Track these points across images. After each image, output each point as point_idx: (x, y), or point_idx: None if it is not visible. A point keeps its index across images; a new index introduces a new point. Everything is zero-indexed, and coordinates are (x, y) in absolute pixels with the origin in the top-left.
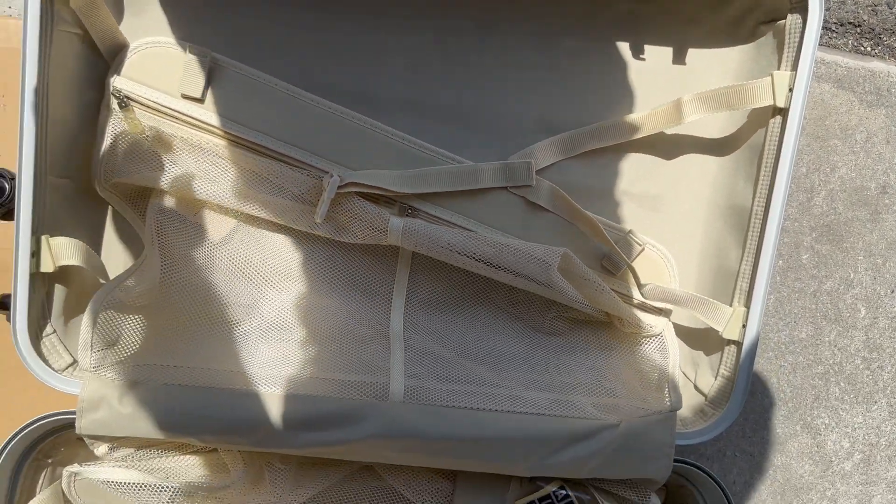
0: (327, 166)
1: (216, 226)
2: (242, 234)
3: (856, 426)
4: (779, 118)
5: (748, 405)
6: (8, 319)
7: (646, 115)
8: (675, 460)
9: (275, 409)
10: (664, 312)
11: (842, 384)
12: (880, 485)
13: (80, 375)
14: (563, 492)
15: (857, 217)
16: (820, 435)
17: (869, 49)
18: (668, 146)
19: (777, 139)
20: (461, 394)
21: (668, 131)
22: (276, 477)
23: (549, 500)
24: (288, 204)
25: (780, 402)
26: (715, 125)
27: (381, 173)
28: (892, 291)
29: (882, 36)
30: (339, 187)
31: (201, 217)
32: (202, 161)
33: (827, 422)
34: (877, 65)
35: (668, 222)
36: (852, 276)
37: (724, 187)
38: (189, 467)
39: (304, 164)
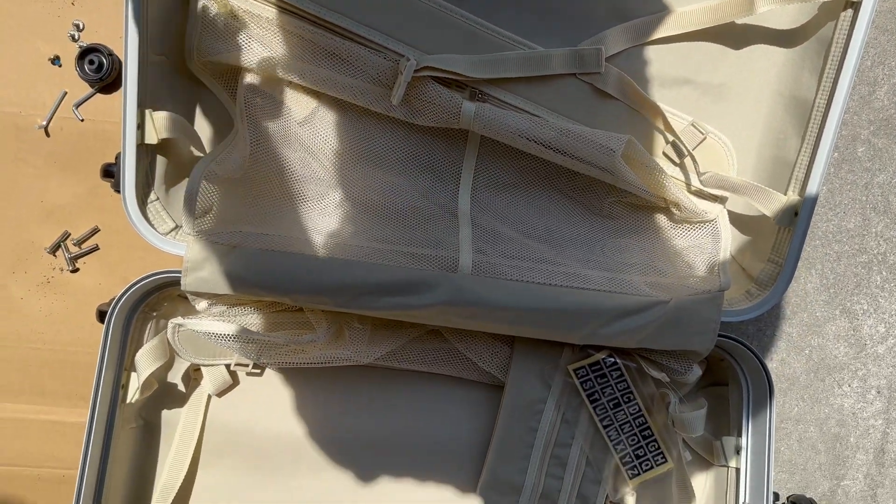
0: (403, 50)
1: (299, 105)
2: (323, 114)
3: (893, 313)
4: (850, 12)
5: (791, 289)
6: (113, 187)
7: (718, 3)
8: (719, 335)
9: (358, 275)
10: (720, 200)
11: (884, 273)
12: None
13: (184, 239)
14: (612, 359)
15: None
16: (857, 319)
17: None
18: (736, 36)
19: (846, 33)
20: (523, 269)
21: (738, 21)
22: (355, 335)
23: (599, 367)
24: (365, 86)
25: (822, 287)
26: (785, 17)
27: (455, 58)
28: None
29: None
30: (415, 71)
31: (285, 96)
32: (285, 41)
33: (865, 308)
34: None
35: (731, 112)
36: None
37: (789, 79)
38: (277, 323)
39: (382, 46)
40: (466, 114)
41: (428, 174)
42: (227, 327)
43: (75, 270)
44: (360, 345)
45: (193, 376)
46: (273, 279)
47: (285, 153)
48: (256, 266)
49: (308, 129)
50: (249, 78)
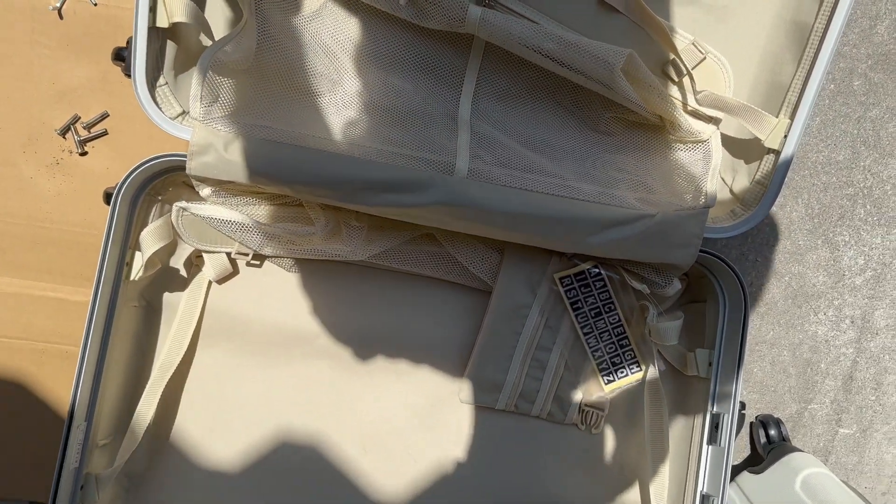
0: None
1: (308, 0)
2: (331, 11)
3: (874, 246)
4: None
5: (776, 217)
6: (123, 72)
7: None
8: (701, 251)
9: (358, 170)
10: (714, 121)
11: (868, 206)
12: (885, 300)
13: (190, 123)
14: (596, 270)
15: None
16: (838, 250)
17: None
18: None
19: None
20: (517, 177)
21: None
22: (352, 232)
23: (584, 277)
24: None
25: (806, 217)
26: None
27: None
28: None
29: None
30: None
31: None
32: None
33: (847, 239)
34: None
35: (732, 33)
36: None
37: (792, 3)
38: (279, 216)
39: None
40: (472, 18)
41: (432, 79)
42: (228, 213)
43: (84, 153)
44: (356, 242)
45: (195, 262)
46: (275, 168)
47: (292, 47)
48: (260, 154)
49: (316, 25)
50: None
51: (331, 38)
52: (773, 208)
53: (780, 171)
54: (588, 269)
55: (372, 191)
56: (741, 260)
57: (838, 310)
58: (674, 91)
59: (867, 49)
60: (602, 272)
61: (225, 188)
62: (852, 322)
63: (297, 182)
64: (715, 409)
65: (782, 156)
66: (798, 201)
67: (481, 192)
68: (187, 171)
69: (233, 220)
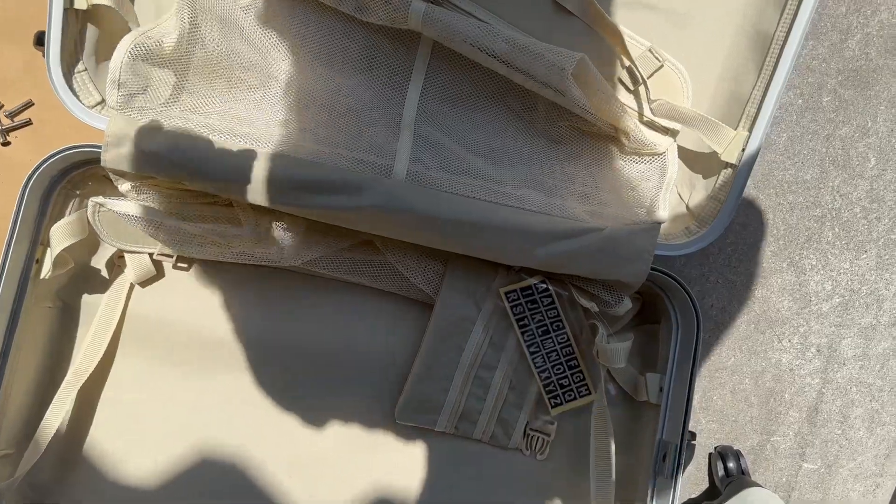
0: None
1: None
2: (268, 2)
3: (841, 271)
4: None
5: (739, 236)
6: (44, 57)
7: None
8: (655, 270)
9: (288, 170)
10: (671, 133)
11: (836, 229)
12: (853, 328)
13: (108, 112)
14: (544, 285)
15: (888, 65)
16: (804, 274)
17: None
18: None
19: None
20: (460, 183)
21: None
22: (284, 236)
23: (530, 292)
24: None
25: (771, 238)
26: None
27: None
28: None
29: None
30: None
31: None
32: None
33: (814, 263)
34: None
35: (691, 41)
36: (870, 124)
37: (754, 11)
38: (204, 215)
39: None
40: (415, 14)
41: (376, 77)
42: (149, 212)
43: (6, 143)
44: (289, 246)
45: (118, 263)
46: (197, 164)
47: (225, 37)
48: (181, 148)
49: (251, 15)
50: None
51: (267, 30)
52: (736, 227)
53: (737, 186)
54: (535, 284)
55: (303, 192)
56: (701, 281)
57: (804, 337)
58: (629, 101)
59: (837, 64)
60: (550, 288)
61: (146, 183)
62: (818, 351)
63: (222, 180)
64: (664, 437)
65: (739, 169)
66: (763, 221)
67: (420, 196)
68: (102, 163)
69: (152, 218)
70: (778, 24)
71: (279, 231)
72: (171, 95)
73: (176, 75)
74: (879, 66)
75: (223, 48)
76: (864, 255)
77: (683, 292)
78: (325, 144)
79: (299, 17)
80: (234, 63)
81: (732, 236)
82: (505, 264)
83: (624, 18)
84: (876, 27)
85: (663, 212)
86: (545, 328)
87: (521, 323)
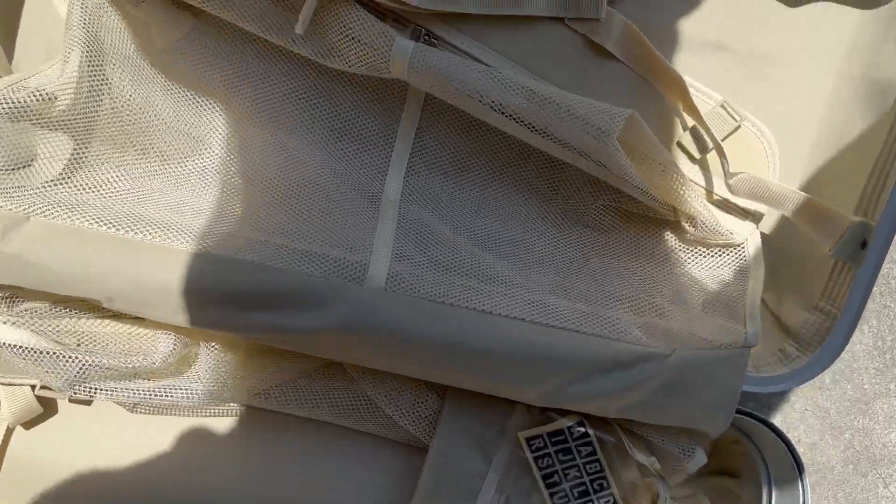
0: None
1: (165, 26)
2: (197, 43)
3: None
4: None
5: None
6: None
7: None
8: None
9: (214, 274)
10: (752, 216)
11: None
12: None
13: None
14: (581, 428)
15: None
16: None
17: None
18: None
19: None
20: (462, 288)
21: None
22: (215, 363)
23: (562, 438)
24: (264, 6)
25: (875, 352)
26: None
27: None
28: None
29: None
30: None
31: (147, 10)
32: None
33: None
34: None
35: (777, 93)
36: None
37: (865, 52)
38: (108, 335)
39: None
40: (400, 56)
41: (345, 142)
42: (26, 336)
43: None
44: (223, 378)
45: None
46: (77, 269)
47: (138, 91)
48: (55, 247)
49: (176, 61)
50: None
51: (197, 80)
52: None
53: (857, 297)
54: (569, 428)
55: (239, 307)
56: (784, 409)
57: None
58: (694, 173)
59: None
60: (590, 432)
61: (27, 295)
62: None
63: (117, 294)
64: None
65: (860, 273)
66: (863, 329)
67: (406, 310)
68: None
69: (33, 346)
70: None
71: (208, 356)
72: (57, 173)
73: (64, 144)
74: None
75: (137, 104)
76: None
77: (780, 443)
78: (274, 235)
79: (241, 63)
80: (151, 125)
81: None
82: None
83: (683, 63)
84: None
85: (751, 329)
86: (583, 488)
87: (550, 481)
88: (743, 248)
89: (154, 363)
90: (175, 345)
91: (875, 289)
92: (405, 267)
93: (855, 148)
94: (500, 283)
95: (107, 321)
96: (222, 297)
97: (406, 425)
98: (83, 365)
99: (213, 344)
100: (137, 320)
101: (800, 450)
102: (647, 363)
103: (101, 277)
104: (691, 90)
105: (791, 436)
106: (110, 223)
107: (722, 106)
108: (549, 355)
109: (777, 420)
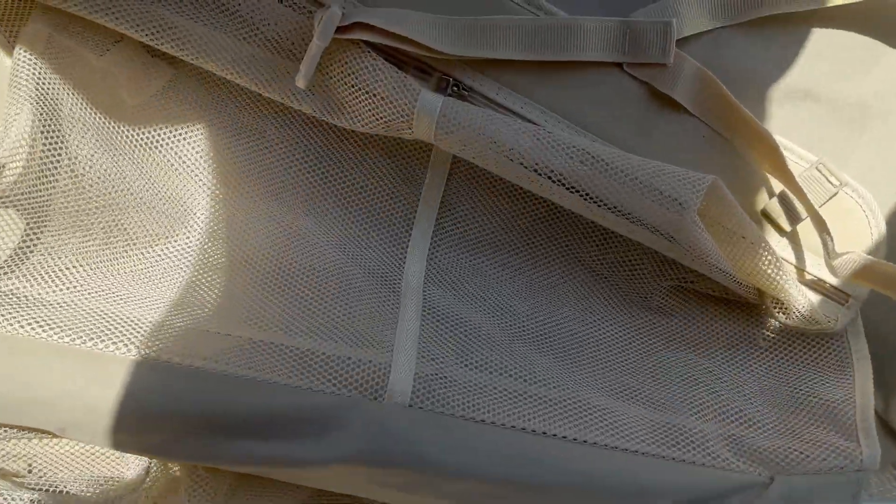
0: None
1: (135, 79)
2: (176, 98)
3: None
4: None
5: None
6: None
7: None
8: None
9: (198, 394)
10: (853, 300)
11: None
12: None
13: None
14: None
15: None
16: None
17: None
18: (891, 25)
19: None
20: (507, 398)
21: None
22: (201, 492)
23: None
24: (256, 53)
25: None
26: None
27: (412, 15)
28: None
29: None
30: (340, 29)
31: (113, 61)
32: None
33: None
34: None
35: (882, 153)
36: None
37: None
38: (66, 456)
39: None
40: (426, 114)
41: (357, 217)
42: None
43: None
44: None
45: None
46: (24, 391)
47: (103, 158)
48: None
49: (152, 119)
50: (51, 19)
51: (177, 144)
52: None
53: None
54: None
55: (216, 436)
56: None
57: None
58: (782, 247)
59: None
60: None
61: None
62: None
63: (68, 422)
64: None
65: None
66: None
67: (437, 435)
68: None
69: None
70: None
71: (193, 485)
72: (8, 258)
73: (24, 222)
74: None
75: (103, 175)
76: None
77: None
78: (264, 332)
79: (230, 122)
80: (120, 201)
81: None
82: None
83: (766, 114)
84: None
85: (868, 443)
86: None
87: None
88: (843, 338)
89: (127, 492)
90: (153, 467)
91: None
92: (433, 370)
93: None
94: (551, 385)
95: (63, 441)
96: (204, 424)
97: None
98: (40, 492)
99: (199, 470)
100: None
101: None
102: (742, 494)
103: (50, 401)
104: (787, 147)
105: None
106: (64, 328)
107: (817, 168)
108: (625, 490)
109: None
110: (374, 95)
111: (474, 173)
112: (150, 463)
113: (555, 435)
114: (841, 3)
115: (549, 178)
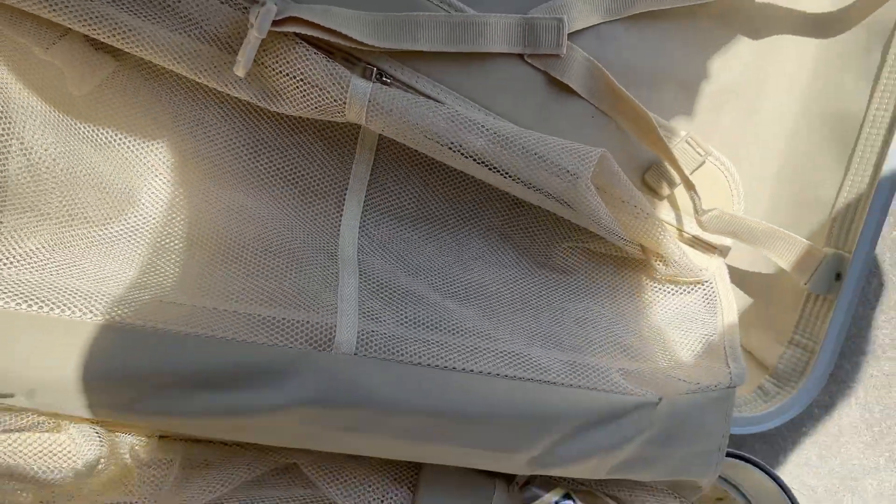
0: None
1: (80, 71)
2: (119, 88)
3: None
4: None
5: (819, 422)
6: None
7: None
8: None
9: (154, 353)
10: (719, 251)
11: None
12: None
13: None
14: (569, 501)
15: None
16: None
17: None
18: (752, 20)
19: None
20: (438, 345)
21: (759, 8)
22: (152, 480)
23: None
24: (196, 47)
25: (863, 424)
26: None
27: (340, 11)
28: None
29: None
30: (275, 22)
31: (57, 54)
32: None
33: None
34: None
35: (739, 127)
36: None
37: (826, 84)
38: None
39: None
40: (358, 99)
41: (293, 194)
42: None
43: None
44: (157, 488)
45: None
46: None
47: (56, 143)
48: None
49: (97, 107)
50: None
51: (123, 128)
52: (814, 410)
53: (836, 329)
54: (556, 502)
55: (187, 390)
56: None
57: None
58: (663, 209)
59: None
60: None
61: None
62: None
63: (36, 383)
64: None
65: (837, 305)
66: (851, 401)
67: (381, 377)
68: None
69: None
70: (870, 101)
71: (140, 462)
72: None
73: None
74: None
75: (57, 159)
76: None
77: (774, 486)
78: (222, 301)
79: (172, 109)
80: (76, 182)
81: (810, 423)
82: (505, 473)
83: (645, 97)
84: None
85: (736, 366)
86: None
87: None
88: (712, 283)
89: (69, 473)
90: (101, 444)
91: (864, 356)
92: (373, 326)
93: (818, 181)
94: (476, 336)
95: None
96: (163, 379)
97: None
98: None
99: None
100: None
101: None
102: (636, 412)
103: (16, 367)
104: (661, 124)
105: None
106: (27, 299)
107: (687, 141)
108: (538, 413)
109: None
110: (309, 83)
111: (399, 151)
112: (101, 449)
113: (480, 371)
114: (703, 2)
115: (462, 153)
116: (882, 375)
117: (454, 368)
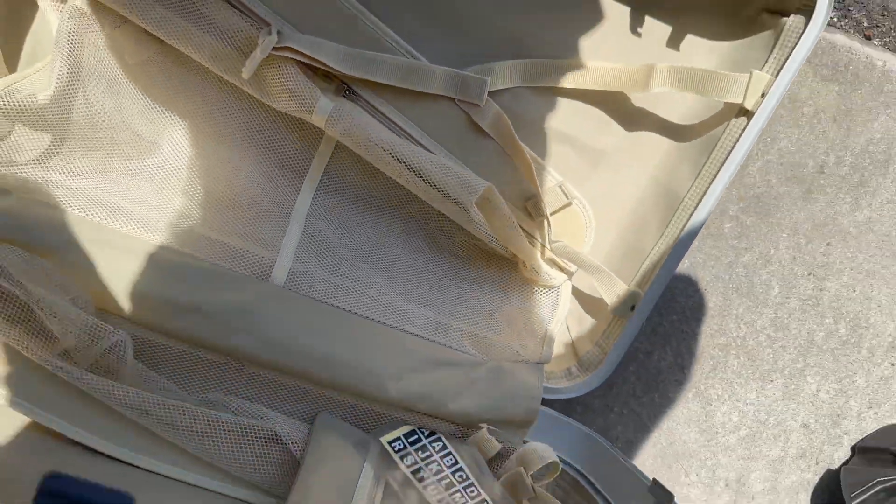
0: (270, 17)
1: (133, 47)
2: (159, 64)
3: (748, 402)
4: (743, 120)
5: (643, 365)
6: None
7: (616, 68)
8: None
9: (144, 255)
10: (567, 271)
11: (741, 358)
12: (760, 461)
13: None
14: (416, 436)
15: (788, 193)
16: (710, 405)
17: (835, 21)
18: (629, 111)
19: (733, 141)
20: (343, 290)
21: (635, 100)
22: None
23: (416, 437)
24: (217, 46)
25: (675, 367)
26: (679, 108)
27: (325, 44)
28: (809, 274)
29: (851, 9)
30: (275, 49)
31: (120, 34)
32: None
33: (720, 393)
34: (839, 38)
35: (603, 183)
36: (772, 252)
37: (669, 168)
38: None
39: (247, 9)
40: (321, 112)
41: (270, 161)
42: None
43: None
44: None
45: None
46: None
47: (107, 98)
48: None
49: (140, 76)
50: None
51: (157, 93)
52: (640, 356)
53: (622, 344)
54: (420, 428)
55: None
56: (604, 412)
57: (712, 471)
58: (532, 229)
59: (739, 190)
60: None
61: None
62: (727, 485)
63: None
64: None
65: (627, 327)
66: (667, 349)
67: (296, 309)
68: None
69: None
70: (689, 188)
71: None
72: (38, 156)
73: (50, 138)
74: (780, 194)
75: (108, 109)
76: (771, 385)
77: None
78: (202, 226)
79: (193, 83)
80: (120, 126)
81: (636, 364)
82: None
83: (540, 147)
84: (776, 154)
85: (547, 350)
86: (447, 480)
87: (418, 476)
88: (557, 291)
89: None
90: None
91: (675, 317)
92: (301, 267)
93: (644, 235)
94: (373, 287)
95: None
96: (156, 276)
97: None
98: None
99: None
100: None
101: (617, 445)
102: (470, 366)
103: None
104: (539, 170)
105: (610, 433)
106: (76, 205)
107: (560, 186)
108: (405, 355)
109: (598, 420)
110: (290, 92)
111: (351, 151)
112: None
113: (367, 317)
114: (601, 89)
115: (397, 159)
116: (690, 332)
117: (348, 310)
